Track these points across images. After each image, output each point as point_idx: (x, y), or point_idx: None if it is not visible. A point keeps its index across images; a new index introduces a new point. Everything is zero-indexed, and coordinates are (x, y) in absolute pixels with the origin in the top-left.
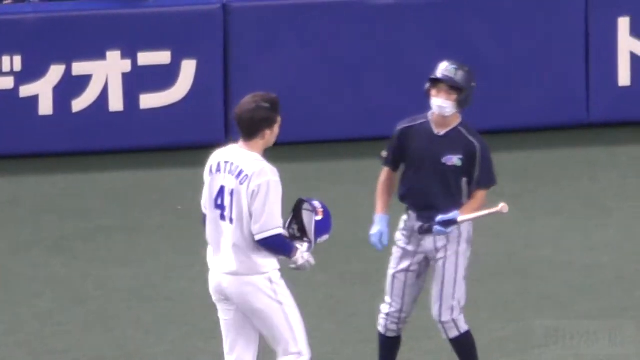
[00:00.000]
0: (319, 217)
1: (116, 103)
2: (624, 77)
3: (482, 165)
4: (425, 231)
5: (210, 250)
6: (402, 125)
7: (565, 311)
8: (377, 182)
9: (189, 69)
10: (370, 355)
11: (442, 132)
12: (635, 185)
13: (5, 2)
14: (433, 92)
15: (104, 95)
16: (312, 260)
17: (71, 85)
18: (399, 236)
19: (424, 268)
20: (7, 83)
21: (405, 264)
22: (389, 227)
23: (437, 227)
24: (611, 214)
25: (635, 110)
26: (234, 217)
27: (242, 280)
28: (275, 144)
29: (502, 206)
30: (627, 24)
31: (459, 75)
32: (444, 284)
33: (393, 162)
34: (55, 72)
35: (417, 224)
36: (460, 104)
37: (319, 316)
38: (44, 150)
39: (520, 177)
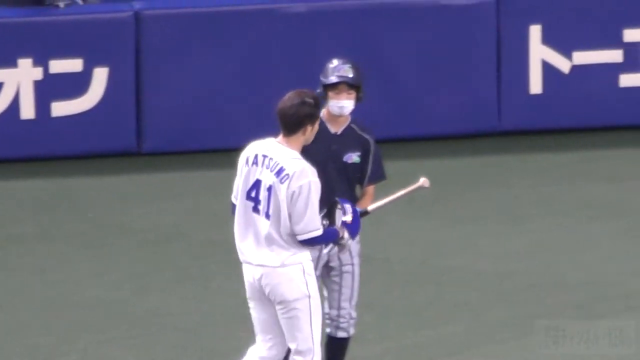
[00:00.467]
0: (347, 218)
1: (28, 111)
2: (536, 85)
3: (374, 160)
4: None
5: (239, 240)
6: None
7: (478, 319)
8: None
9: (100, 76)
10: None
11: (339, 131)
12: (547, 193)
13: None
14: (331, 94)
15: (15, 103)
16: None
17: None
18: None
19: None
20: None
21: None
22: None
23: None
24: (524, 222)
25: (546, 118)
26: (270, 212)
27: (276, 272)
28: (189, 152)
29: (423, 180)
30: (538, 31)
31: (355, 73)
32: (353, 287)
33: None
34: None
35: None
36: (359, 100)
37: (233, 324)
38: None
39: (433, 185)
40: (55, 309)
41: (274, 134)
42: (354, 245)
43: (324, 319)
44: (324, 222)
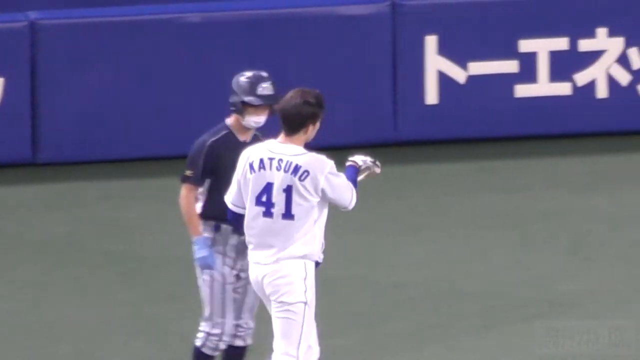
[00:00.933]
0: None
1: None
2: (432, 96)
3: None
4: None
5: (252, 245)
6: (208, 139)
7: (372, 330)
8: (183, 202)
9: None
10: None
11: (248, 139)
12: (443, 203)
13: None
14: (251, 110)
15: None
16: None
17: None
18: (219, 259)
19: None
20: None
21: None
22: None
23: None
24: (420, 232)
25: (442, 129)
26: (295, 212)
27: (281, 266)
28: (85, 162)
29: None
30: (434, 42)
31: (275, 89)
32: (255, 298)
33: (201, 179)
34: None
35: (237, 238)
36: (273, 114)
37: (128, 334)
38: None
39: None
40: None
41: (169, 144)
42: None
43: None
44: None
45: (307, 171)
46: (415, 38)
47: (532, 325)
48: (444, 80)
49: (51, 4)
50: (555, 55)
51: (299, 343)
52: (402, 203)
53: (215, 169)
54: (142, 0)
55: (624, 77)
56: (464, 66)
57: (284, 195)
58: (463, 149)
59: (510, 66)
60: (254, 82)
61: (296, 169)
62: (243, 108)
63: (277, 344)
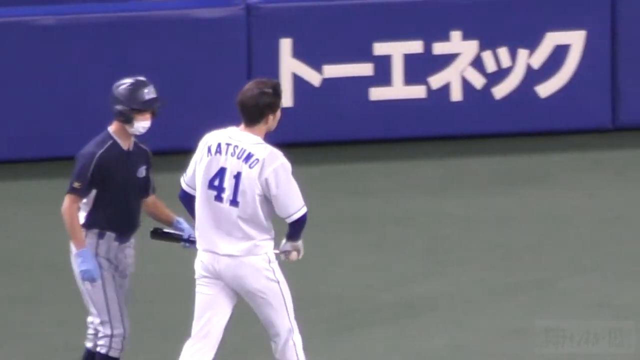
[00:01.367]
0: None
1: None
2: (286, 98)
3: (151, 171)
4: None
5: (201, 229)
6: (97, 151)
7: (232, 334)
8: (67, 214)
9: None
10: None
11: (130, 147)
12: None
13: None
14: (139, 116)
15: None
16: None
17: None
18: (104, 262)
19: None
20: None
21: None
22: None
23: (185, 244)
24: (276, 236)
25: (297, 132)
26: (239, 199)
27: (242, 262)
28: None
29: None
30: (289, 45)
31: (156, 90)
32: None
33: (87, 191)
34: None
35: (117, 244)
36: (155, 116)
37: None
38: None
39: (174, 199)
40: None
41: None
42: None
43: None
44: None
45: (257, 159)
46: (270, 41)
47: (389, 327)
48: (299, 83)
49: None
50: (409, 59)
51: (288, 317)
52: None
53: (103, 180)
54: None
55: (478, 80)
56: (318, 69)
57: (233, 181)
58: (318, 152)
59: (364, 69)
60: (138, 88)
61: (249, 156)
62: (132, 115)
63: (270, 329)
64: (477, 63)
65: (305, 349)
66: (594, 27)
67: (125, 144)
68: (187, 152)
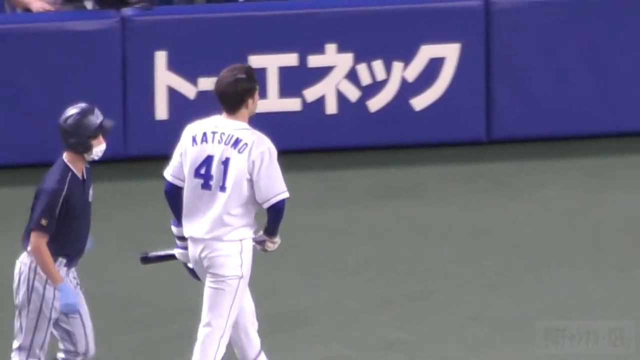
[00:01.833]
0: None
1: None
2: (162, 111)
3: None
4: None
5: (187, 217)
6: (61, 189)
7: (104, 346)
8: (41, 253)
9: None
10: None
11: (84, 174)
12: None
13: None
14: (96, 141)
15: None
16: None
17: None
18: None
19: None
20: None
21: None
22: None
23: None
24: (154, 248)
25: (172, 144)
26: (227, 185)
27: (216, 244)
28: None
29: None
30: (164, 58)
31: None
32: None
33: (54, 226)
34: None
35: (66, 269)
36: None
37: None
38: None
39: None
40: None
41: None
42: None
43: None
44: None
45: (246, 144)
46: (144, 53)
47: (266, 339)
48: (174, 95)
49: None
50: (284, 71)
51: (228, 316)
52: (133, 219)
53: (65, 213)
54: None
55: (353, 93)
56: (193, 82)
57: (222, 167)
58: None
59: None
60: (87, 114)
61: (237, 141)
62: (90, 143)
63: (205, 314)
64: (352, 76)
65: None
66: (468, 40)
67: (80, 173)
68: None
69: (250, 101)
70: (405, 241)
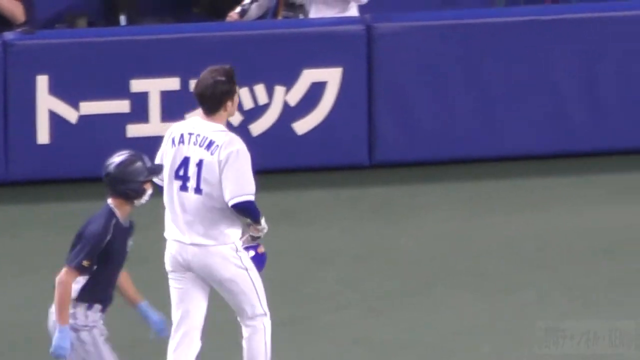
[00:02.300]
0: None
1: None
2: (43, 135)
3: None
4: None
5: (169, 219)
6: (106, 235)
7: None
8: (66, 289)
9: None
10: None
11: (127, 223)
12: (56, 242)
13: None
14: (146, 186)
15: None
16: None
17: None
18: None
19: None
20: None
21: None
22: None
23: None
24: (35, 272)
25: (55, 168)
26: (202, 187)
27: (209, 251)
28: None
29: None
30: (45, 82)
31: None
32: None
33: (92, 270)
34: None
35: (100, 314)
36: None
37: None
38: None
39: None
40: None
41: None
42: None
43: None
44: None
45: (217, 145)
46: (26, 77)
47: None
48: (56, 119)
49: None
50: (166, 95)
51: (260, 302)
52: (15, 243)
53: (105, 259)
54: None
55: (235, 117)
56: (75, 106)
57: (196, 169)
58: (77, 188)
59: (121, 106)
60: (137, 160)
61: (210, 143)
62: (142, 188)
63: (241, 315)
64: None
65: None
66: (350, 64)
67: (124, 219)
68: None
69: (229, 103)
70: (287, 265)
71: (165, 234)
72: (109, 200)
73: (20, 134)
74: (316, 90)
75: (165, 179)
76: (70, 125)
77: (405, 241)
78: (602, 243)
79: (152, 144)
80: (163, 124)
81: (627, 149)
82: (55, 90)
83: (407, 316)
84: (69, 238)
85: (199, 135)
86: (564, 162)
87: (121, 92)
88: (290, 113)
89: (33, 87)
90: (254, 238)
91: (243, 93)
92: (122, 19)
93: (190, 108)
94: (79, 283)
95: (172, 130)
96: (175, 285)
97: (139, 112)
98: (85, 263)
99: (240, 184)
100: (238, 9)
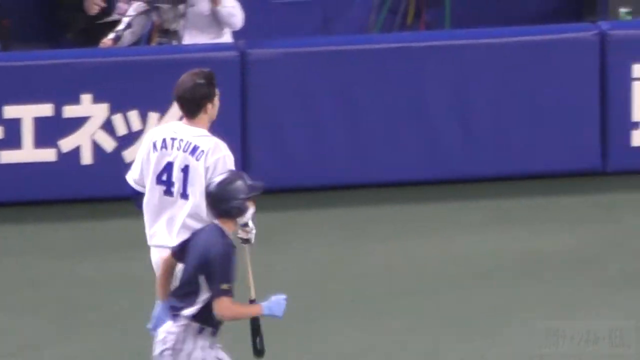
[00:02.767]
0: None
1: None
2: None
3: None
4: None
5: (150, 224)
6: (231, 251)
7: None
8: (231, 313)
9: None
10: None
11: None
12: None
13: None
14: (249, 202)
15: None
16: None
17: None
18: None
19: None
20: None
21: None
22: None
23: None
24: None
25: None
26: (188, 192)
27: None
28: None
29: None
30: None
31: None
32: None
33: None
34: None
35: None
36: None
37: None
38: None
39: None
40: None
41: None
42: None
43: None
44: None
45: (203, 151)
46: None
47: None
48: None
49: None
50: (39, 122)
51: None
52: None
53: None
54: None
55: (108, 144)
56: None
57: (182, 174)
58: None
59: None
60: (239, 178)
61: (194, 149)
62: (246, 206)
63: None
64: (108, 126)
65: None
66: (224, 90)
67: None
68: None
69: (209, 106)
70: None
71: (149, 242)
72: (215, 221)
73: None
74: None
75: (147, 184)
76: None
77: (282, 267)
78: (477, 268)
79: (25, 170)
80: (36, 150)
81: (500, 175)
82: None
83: (280, 345)
84: None
85: (182, 140)
86: (437, 188)
87: None
88: None
89: None
90: (243, 240)
91: (117, 119)
92: None
93: (64, 134)
94: (195, 305)
95: (153, 135)
96: None
97: (12, 138)
98: (225, 286)
99: None
100: (112, 35)
